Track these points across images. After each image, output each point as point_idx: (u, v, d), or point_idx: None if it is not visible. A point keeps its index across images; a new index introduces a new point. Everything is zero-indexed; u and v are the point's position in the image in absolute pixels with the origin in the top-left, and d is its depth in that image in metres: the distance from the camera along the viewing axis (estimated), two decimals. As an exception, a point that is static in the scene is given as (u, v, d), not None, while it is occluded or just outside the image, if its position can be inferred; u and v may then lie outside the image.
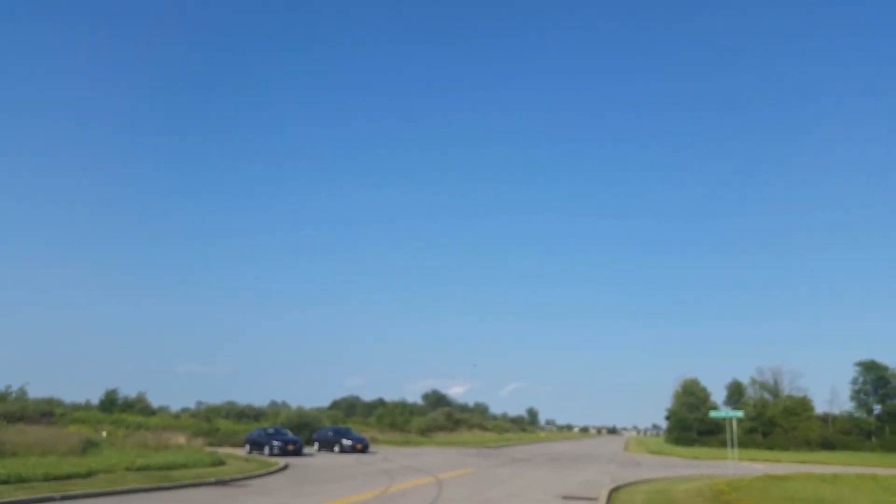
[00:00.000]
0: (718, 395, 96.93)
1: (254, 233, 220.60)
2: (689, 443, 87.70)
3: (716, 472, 34.17)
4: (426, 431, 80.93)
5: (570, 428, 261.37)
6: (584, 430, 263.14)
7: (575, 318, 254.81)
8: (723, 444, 70.90)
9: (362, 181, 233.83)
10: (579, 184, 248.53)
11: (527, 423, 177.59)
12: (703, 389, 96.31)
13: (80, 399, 63.00)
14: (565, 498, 19.92)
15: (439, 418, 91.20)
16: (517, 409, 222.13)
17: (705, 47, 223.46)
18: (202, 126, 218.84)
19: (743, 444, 69.92)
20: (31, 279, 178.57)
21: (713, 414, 39.28)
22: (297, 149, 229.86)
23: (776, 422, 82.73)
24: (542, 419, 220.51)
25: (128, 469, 22.16)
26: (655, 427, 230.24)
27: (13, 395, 49.63)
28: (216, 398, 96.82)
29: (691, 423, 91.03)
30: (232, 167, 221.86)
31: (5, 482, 17.14)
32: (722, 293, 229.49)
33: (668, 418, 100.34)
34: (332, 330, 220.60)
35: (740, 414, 37.85)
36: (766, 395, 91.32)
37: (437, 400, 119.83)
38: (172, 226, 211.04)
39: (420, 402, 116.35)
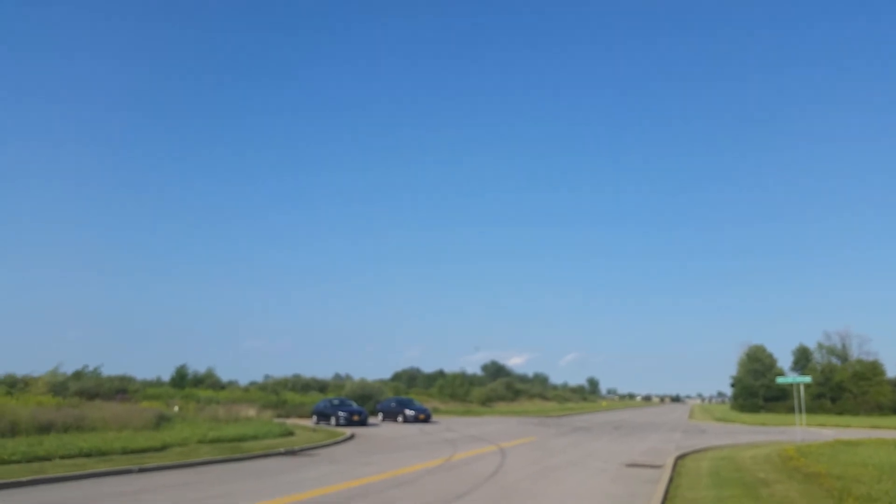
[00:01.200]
0: (785, 360, 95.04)
1: (312, 209, 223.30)
2: (755, 409, 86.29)
3: (783, 438, 33.53)
4: (487, 401, 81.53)
5: (632, 397, 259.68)
6: (647, 398, 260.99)
7: (636, 287, 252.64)
8: (790, 411, 69.49)
9: (418, 154, 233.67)
10: (632, 156, 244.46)
11: (587, 393, 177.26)
12: (769, 355, 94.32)
13: (151, 376, 65.20)
14: (630, 465, 19.83)
15: (499, 388, 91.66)
16: (577, 379, 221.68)
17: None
18: (279, 104, 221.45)
19: (811, 410, 68.28)
20: (102, 263, 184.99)
21: (780, 380, 38.28)
22: (343, 123, 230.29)
23: (845, 387, 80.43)
24: (602, 388, 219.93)
25: (200, 442, 22.87)
26: (721, 395, 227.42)
27: (89, 373, 51.91)
28: (282, 372, 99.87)
29: (757, 390, 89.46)
30: (283, 146, 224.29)
31: (87, 455, 17.95)
32: (787, 258, 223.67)
33: (733, 385, 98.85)
34: (391, 303, 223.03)
35: (808, 379, 36.81)
36: (834, 360, 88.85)
37: (496, 371, 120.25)
38: (232, 204, 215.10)
39: (480, 372, 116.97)
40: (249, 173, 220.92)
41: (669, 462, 19.55)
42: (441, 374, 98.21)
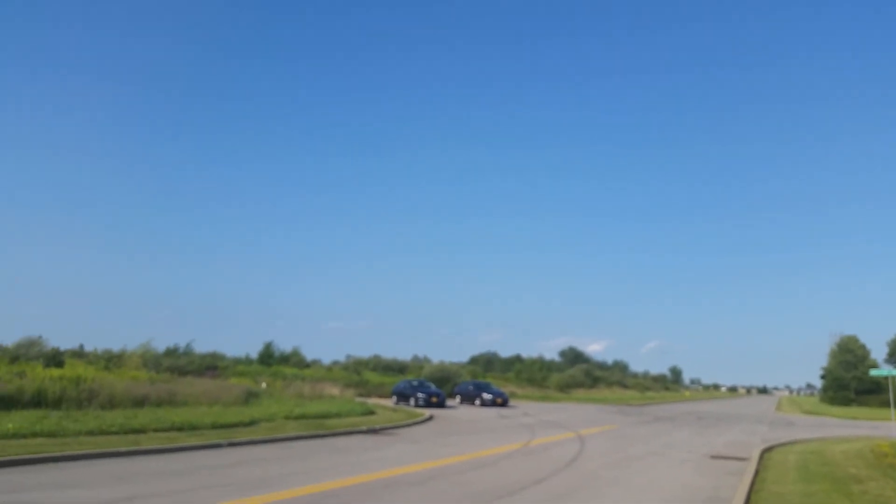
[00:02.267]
0: (879, 352, 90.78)
1: (391, 191, 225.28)
2: (846, 403, 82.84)
3: (876, 433, 32.06)
4: (564, 388, 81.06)
5: (716, 387, 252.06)
6: (733, 389, 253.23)
7: (722, 275, 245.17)
8: (884, 405, 66.33)
9: (496, 139, 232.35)
10: (712, 145, 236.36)
11: (669, 382, 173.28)
12: (862, 346, 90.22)
13: (239, 353, 67.84)
14: (714, 457, 19.41)
15: (577, 375, 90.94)
16: (659, 368, 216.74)
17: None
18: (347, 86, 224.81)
19: (906, 406, 64.99)
20: (192, 249, 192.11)
21: (873, 372, 36.58)
22: (424, 100, 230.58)
23: (946, 381, 76.21)
24: (686, 378, 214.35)
25: (286, 418, 23.67)
26: (810, 386, 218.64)
27: (182, 351, 54.54)
28: (362, 352, 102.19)
29: (849, 382, 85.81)
30: (362, 127, 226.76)
31: (179, 429, 18.81)
32: (883, 244, 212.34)
33: (823, 377, 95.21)
34: (469, 287, 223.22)
35: (903, 372, 35.02)
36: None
37: (574, 357, 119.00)
38: (314, 190, 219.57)
39: (557, 358, 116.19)
40: (332, 156, 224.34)
41: (755, 454, 19.07)
42: (518, 358, 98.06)
